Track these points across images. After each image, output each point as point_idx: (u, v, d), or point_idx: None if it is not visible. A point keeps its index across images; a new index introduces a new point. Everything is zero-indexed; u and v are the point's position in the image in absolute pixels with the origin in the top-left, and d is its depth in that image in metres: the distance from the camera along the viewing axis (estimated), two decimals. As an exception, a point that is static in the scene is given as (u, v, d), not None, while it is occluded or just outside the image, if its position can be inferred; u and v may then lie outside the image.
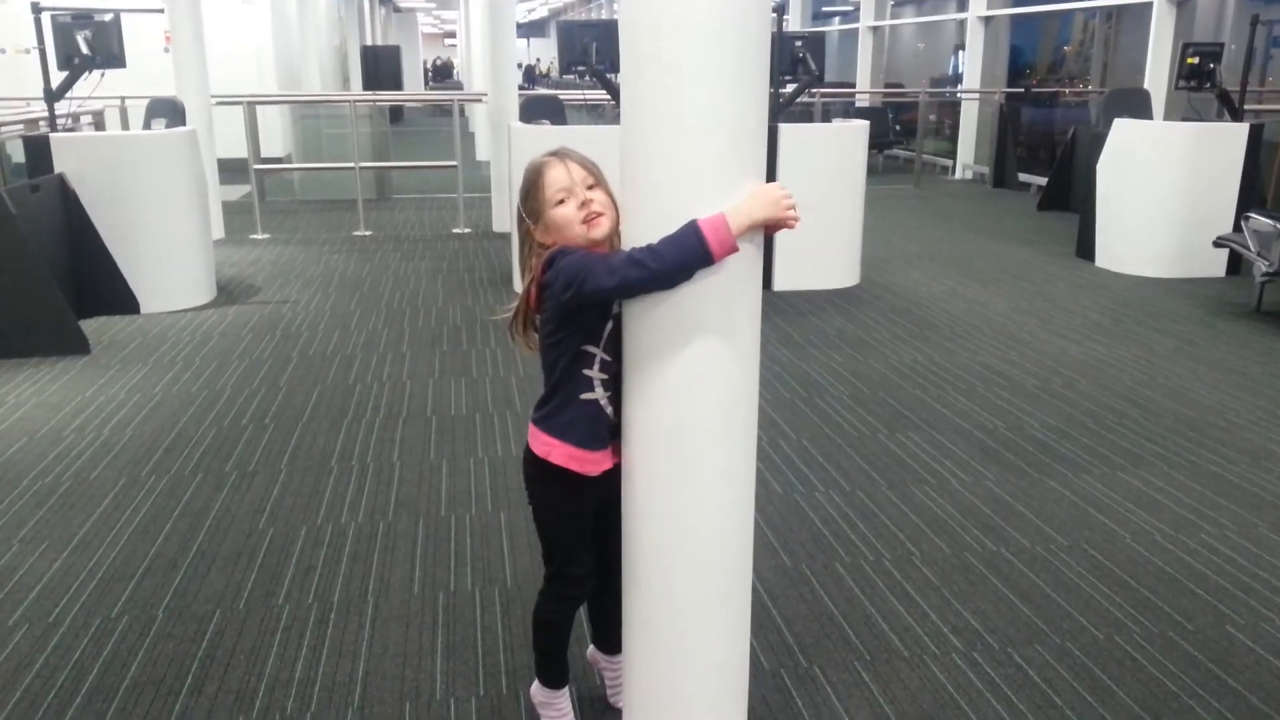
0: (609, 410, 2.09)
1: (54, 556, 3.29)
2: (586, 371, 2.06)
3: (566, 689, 2.42)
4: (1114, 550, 3.35)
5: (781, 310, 6.48)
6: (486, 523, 3.54)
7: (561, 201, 2.02)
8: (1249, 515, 3.61)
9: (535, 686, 2.43)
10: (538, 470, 2.15)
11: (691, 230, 1.80)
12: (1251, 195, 7.45)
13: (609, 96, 7.47)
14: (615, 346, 2.04)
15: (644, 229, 1.90)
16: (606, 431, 2.11)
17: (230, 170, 10.06)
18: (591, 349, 2.05)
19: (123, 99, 10.23)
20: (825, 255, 7.06)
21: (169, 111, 7.43)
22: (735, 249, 1.81)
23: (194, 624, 2.90)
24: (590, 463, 2.11)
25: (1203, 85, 7.63)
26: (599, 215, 2.01)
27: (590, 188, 2.03)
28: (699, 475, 1.99)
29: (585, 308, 1.99)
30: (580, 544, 2.23)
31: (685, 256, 1.81)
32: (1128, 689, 2.61)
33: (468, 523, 3.54)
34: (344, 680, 2.64)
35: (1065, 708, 2.53)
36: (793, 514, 3.61)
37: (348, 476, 3.92)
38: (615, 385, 2.06)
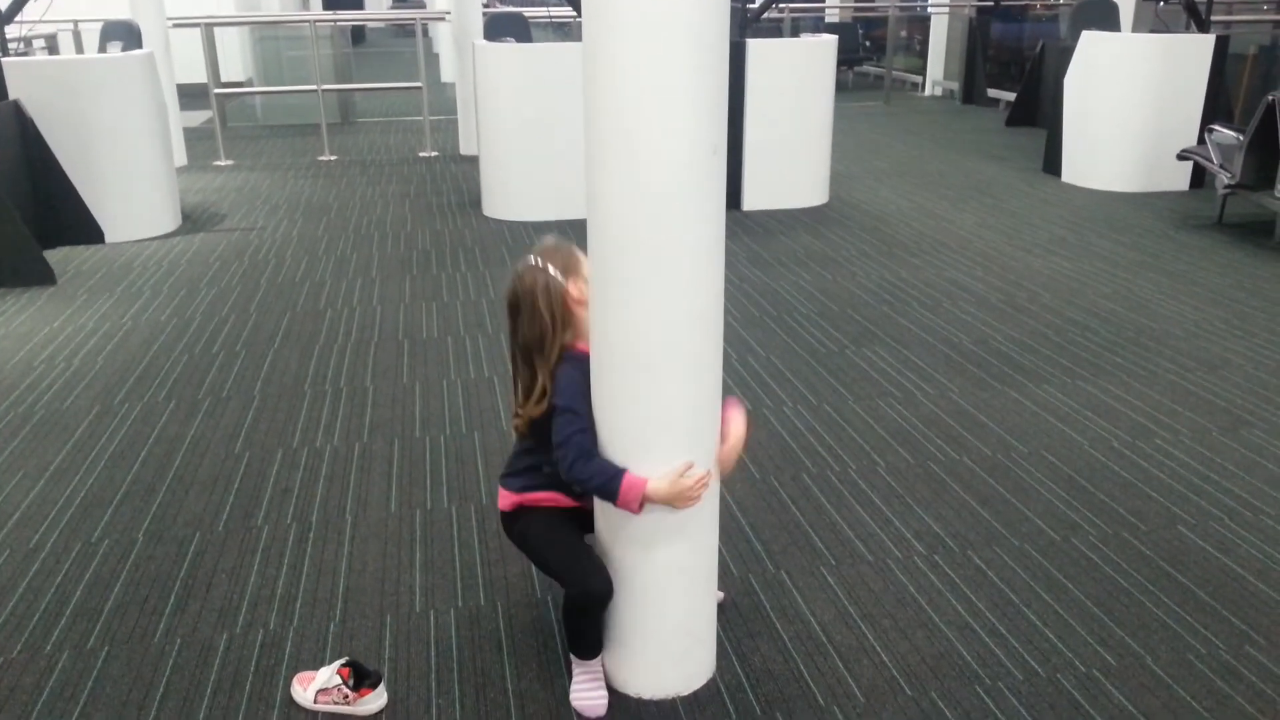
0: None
1: (30, 485, 3.32)
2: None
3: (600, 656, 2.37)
4: (1072, 456, 3.45)
5: (750, 230, 6.50)
6: (461, 443, 3.59)
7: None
8: (1203, 421, 3.72)
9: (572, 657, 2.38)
10: (515, 515, 2.35)
11: (614, 481, 2.08)
12: (1217, 107, 7.47)
13: (574, 13, 7.37)
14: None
15: (606, 139, 1.93)
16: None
17: (190, 95, 9.85)
18: None
19: (75, 22, 9.98)
20: (794, 174, 7.03)
21: (124, 34, 7.26)
22: (636, 512, 2.09)
23: (174, 546, 2.95)
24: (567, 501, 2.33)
25: (1170, -4, 7.61)
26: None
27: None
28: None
29: None
30: (586, 556, 2.26)
31: (601, 491, 2.12)
32: (1082, 586, 2.72)
33: (442, 443, 3.59)
34: (325, 596, 2.71)
35: (1022, 605, 2.64)
36: (762, 428, 3.68)
37: (321, 400, 3.95)
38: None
